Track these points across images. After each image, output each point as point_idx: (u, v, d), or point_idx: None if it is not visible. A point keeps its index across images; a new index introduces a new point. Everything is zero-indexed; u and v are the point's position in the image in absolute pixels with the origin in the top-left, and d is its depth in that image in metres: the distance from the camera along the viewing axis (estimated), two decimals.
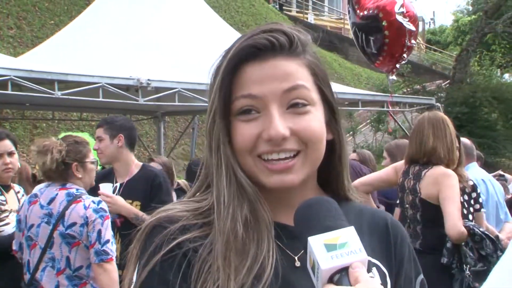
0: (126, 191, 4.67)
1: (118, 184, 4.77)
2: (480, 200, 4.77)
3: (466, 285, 4.02)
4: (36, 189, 3.94)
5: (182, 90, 7.30)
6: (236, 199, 1.26)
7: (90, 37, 9.14)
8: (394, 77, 8.25)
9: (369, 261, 1.20)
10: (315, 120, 1.29)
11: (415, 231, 4.32)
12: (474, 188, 4.75)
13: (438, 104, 11.30)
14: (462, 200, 4.59)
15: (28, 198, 3.90)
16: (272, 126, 1.23)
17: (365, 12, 7.26)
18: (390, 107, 10.62)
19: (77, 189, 3.87)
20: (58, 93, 6.42)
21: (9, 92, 6.09)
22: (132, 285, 1.26)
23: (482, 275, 4.00)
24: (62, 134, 4.37)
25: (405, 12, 7.26)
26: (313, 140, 1.28)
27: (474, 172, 6.05)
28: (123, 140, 4.80)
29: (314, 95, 1.30)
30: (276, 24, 1.32)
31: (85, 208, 3.76)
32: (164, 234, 1.23)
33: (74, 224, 3.71)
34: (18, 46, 14.91)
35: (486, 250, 4.01)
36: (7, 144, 4.46)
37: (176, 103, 7.50)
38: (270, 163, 1.26)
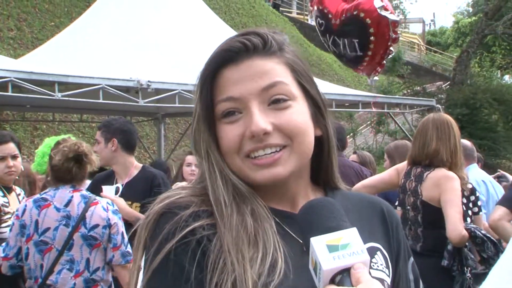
0: (126, 193, 4.68)
1: (120, 185, 4.79)
2: (479, 203, 4.76)
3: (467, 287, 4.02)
4: (40, 195, 3.87)
5: (183, 92, 7.30)
6: (237, 197, 1.28)
7: (90, 39, 9.14)
8: (377, 77, 8.25)
9: (373, 247, 1.19)
10: (297, 114, 1.31)
11: (416, 233, 4.31)
12: (473, 191, 4.74)
13: (439, 106, 11.29)
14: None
15: (34, 203, 3.78)
16: (253, 122, 1.26)
17: (343, 17, 7.19)
18: (373, 109, 10.61)
19: (85, 191, 3.97)
20: (58, 95, 6.42)
21: (10, 93, 6.09)
22: (141, 272, 1.26)
23: (483, 278, 3.98)
24: (62, 136, 4.36)
25: (384, 5, 7.21)
26: (297, 133, 1.30)
27: (475, 173, 6.05)
28: (117, 144, 4.82)
29: (295, 90, 1.33)
30: (252, 28, 1.37)
31: (105, 210, 3.87)
32: (176, 221, 1.23)
33: (96, 226, 3.78)
34: (18, 47, 14.91)
35: (487, 253, 4.00)
36: (11, 147, 4.47)
37: (177, 105, 7.51)
38: (256, 159, 1.28)
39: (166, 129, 13.76)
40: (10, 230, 3.71)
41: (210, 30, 9.71)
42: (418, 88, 24.74)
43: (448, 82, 27.74)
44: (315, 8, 7.46)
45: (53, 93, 6.39)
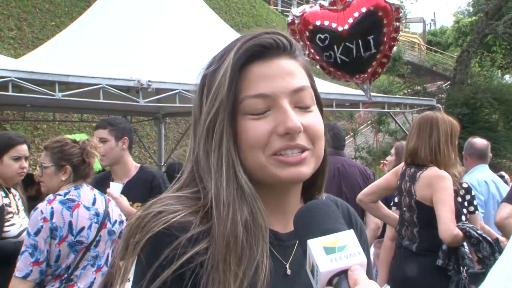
0: (126, 193, 4.66)
1: (122, 185, 4.78)
2: (475, 202, 4.76)
3: (462, 287, 4.01)
4: (61, 195, 3.78)
5: (183, 91, 7.31)
6: (236, 201, 1.24)
7: (91, 39, 9.14)
8: (371, 85, 8.16)
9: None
10: (318, 118, 1.33)
11: (412, 234, 4.31)
12: (468, 190, 4.73)
13: (439, 105, 11.30)
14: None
15: (62, 205, 3.69)
16: (289, 119, 1.25)
17: (351, 20, 7.15)
18: (361, 108, 10.61)
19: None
20: (59, 95, 6.43)
21: (10, 93, 6.10)
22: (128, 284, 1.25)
23: (480, 278, 3.99)
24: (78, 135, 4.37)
25: None
26: (318, 137, 1.31)
27: (479, 174, 6.03)
28: (127, 142, 4.81)
29: (312, 95, 1.34)
30: (274, 29, 1.35)
31: (117, 206, 4.01)
32: (175, 247, 1.19)
33: (116, 221, 3.89)
34: (19, 47, 14.92)
35: (482, 253, 3.99)
36: (25, 148, 4.54)
37: (177, 104, 7.51)
38: (284, 156, 1.27)
39: (167, 129, 13.76)
40: (36, 234, 3.57)
41: (211, 30, 9.72)
42: (419, 87, 24.75)
43: (449, 82, 27.72)
44: (310, 27, 7.39)
45: (53, 93, 6.39)
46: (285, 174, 1.27)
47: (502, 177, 7.22)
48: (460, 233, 4.01)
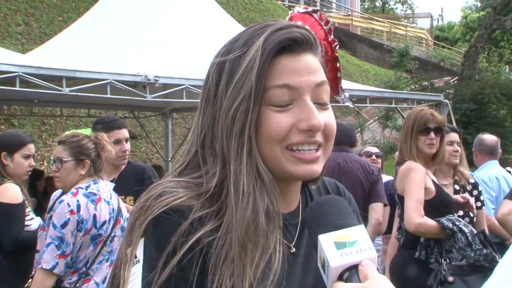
0: (118, 187, 4.68)
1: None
2: (482, 198, 4.77)
3: (439, 279, 4.02)
4: (83, 188, 3.84)
5: (190, 87, 7.30)
6: (257, 189, 1.25)
7: (98, 34, 9.15)
8: (346, 93, 8.15)
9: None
10: (332, 115, 1.35)
11: (401, 228, 4.39)
12: (475, 185, 4.75)
13: (446, 101, 11.24)
14: None
15: (87, 198, 3.76)
16: (314, 116, 1.27)
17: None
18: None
19: None
20: (66, 90, 6.43)
21: (17, 88, 6.10)
22: (138, 263, 1.25)
23: (463, 270, 4.02)
24: (72, 131, 4.42)
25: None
26: (332, 134, 1.34)
27: (490, 170, 6.02)
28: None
29: (329, 92, 1.36)
30: (297, 23, 1.39)
31: (124, 202, 4.09)
32: (180, 233, 1.20)
33: (126, 218, 3.91)
34: (26, 42, 14.95)
35: (458, 244, 4.01)
36: (33, 147, 4.70)
37: (184, 100, 7.50)
38: (300, 153, 1.28)
39: (174, 124, 13.77)
40: (63, 227, 3.61)
41: (217, 25, 9.71)
42: (426, 83, 24.67)
43: (456, 77, 27.65)
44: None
45: (60, 88, 6.40)
46: (300, 171, 1.29)
47: (509, 172, 7.22)
48: (428, 222, 4.03)
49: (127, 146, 4.90)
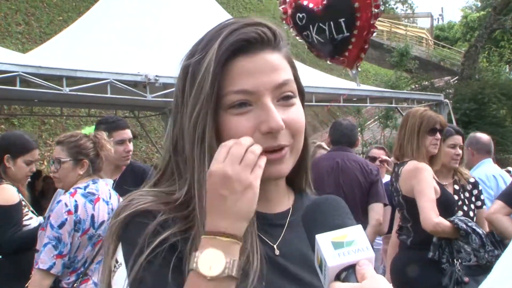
0: (119, 188, 4.68)
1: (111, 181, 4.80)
2: (482, 197, 4.77)
3: (455, 280, 4.02)
4: (81, 188, 3.85)
5: None
6: None
7: (98, 33, 9.15)
8: (359, 69, 8.13)
9: None
10: (299, 111, 1.32)
11: (407, 229, 4.37)
12: (475, 185, 4.75)
13: (447, 101, 11.24)
14: (462, 197, 4.60)
15: (85, 198, 3.76)
16: (272, 118, 1.24)
17: (325, 1, 7.19)
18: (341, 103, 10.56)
19: None
20: (66, 89, 6.43)
21: (18, 88, 6.10)
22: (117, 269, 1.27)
23: (475, 270, 4.02)
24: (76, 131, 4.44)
25: None
26: (299, 131, 1.31)
27: (486, 168, 6.03)
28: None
29: (295, 87, 1.33)
30: (258, 18, 1.33)
31: None
32: (147, 233, 1.21)
33: None
34: (26, 42, 14.96)
35: (472, 245, 4.01)
36: (37, 153, 4.71)
37: None
38: (266, 153, 1.25)
39: None
40: (60, 227, 3.61)
41: None
42: (426, 82, 24.69)
43: (456, 77, 27.67)
44: (293, 5, 7.44)
45: (61, 88, 6.40)
46: (266, 172, 1.24)
47: (508, 172, 7.23)
48: (444, 222, 4.02)
49: (131, 146, 4.90)
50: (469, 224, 4.06)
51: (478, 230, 4.02)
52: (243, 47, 1.26)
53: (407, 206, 4.29)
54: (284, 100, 1.29)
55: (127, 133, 4.86)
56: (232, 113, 1.26)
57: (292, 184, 1.48)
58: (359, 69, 8.09)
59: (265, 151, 1.25)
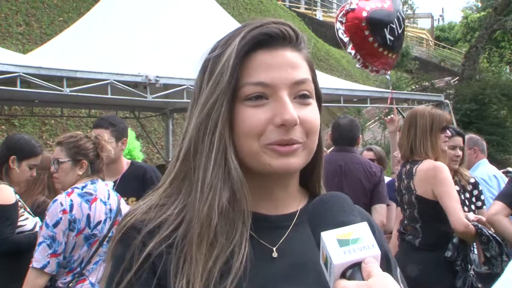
0: (120, 189, 4.67)
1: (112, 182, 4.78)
2: (482, 197, 4.76)
3: (470, 284, 4.01)
4: (78, 188, 3.86)
5: (191, 87, 7.28)
6: (218, 184, 1.25)
7: (99, 34, 9.14)
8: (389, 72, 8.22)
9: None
10: (315, 112, 1.33)
11: (415, 229, 4.32)
12: (475, 185, 4.74)
13: (447, 101, 11.24)
14: (463, 198, 4.59)
15: (81, 198, 3.77)
16: (287, 111, 1.25)
17: (372, 7, 7.25)
18: (388, 104, 10.60)
19: None
20: (67, 90, 6.43)
21: (18, 89, 6.10)
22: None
23: (485, 277, 4.00)
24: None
25: None
26: (313, 131, 1.31)
27: (486, 168, 6.04)
28: (126, 144, 4.86)
29: (312, 89, 1.34)
30: (282, 19, 1.35)
31: (127, 204, 4.04)
32: (132, 248, 1.24)
33: None
34: (27, 43, 14.95)
35: (491, 252, 3.99)
36: (40, 159, 4.73)
37: (185, 100, 7.50)
38: (277, 146, 1.26)
39: (174, 124, 13.75)
40: (55, 226, 3.63)
41: (218, 25, 9.70)
42: (427, 83, 24.69)
43: (457, 78, 27.64)
44: (364, 14, 7.48)
45: (61, 88, 6.39)
46: (277, 163, 1.27)
47: (509, 172, 7.24)
48: (472, 225, 4.01)
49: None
50: (489, 231, 4.05)
51: (497, 238, 4.01)
52: (264, 41, 1.29)
53: (420, 206, 4.25)
54: (300, 98, 1.30)
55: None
56: (248, 105, 1.27)
57: (307, 189, 1.48)
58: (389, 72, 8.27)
59: (276, 144, 1.26)
